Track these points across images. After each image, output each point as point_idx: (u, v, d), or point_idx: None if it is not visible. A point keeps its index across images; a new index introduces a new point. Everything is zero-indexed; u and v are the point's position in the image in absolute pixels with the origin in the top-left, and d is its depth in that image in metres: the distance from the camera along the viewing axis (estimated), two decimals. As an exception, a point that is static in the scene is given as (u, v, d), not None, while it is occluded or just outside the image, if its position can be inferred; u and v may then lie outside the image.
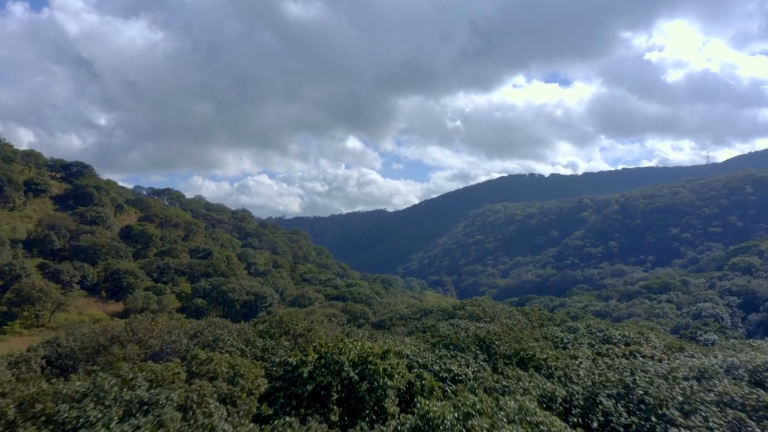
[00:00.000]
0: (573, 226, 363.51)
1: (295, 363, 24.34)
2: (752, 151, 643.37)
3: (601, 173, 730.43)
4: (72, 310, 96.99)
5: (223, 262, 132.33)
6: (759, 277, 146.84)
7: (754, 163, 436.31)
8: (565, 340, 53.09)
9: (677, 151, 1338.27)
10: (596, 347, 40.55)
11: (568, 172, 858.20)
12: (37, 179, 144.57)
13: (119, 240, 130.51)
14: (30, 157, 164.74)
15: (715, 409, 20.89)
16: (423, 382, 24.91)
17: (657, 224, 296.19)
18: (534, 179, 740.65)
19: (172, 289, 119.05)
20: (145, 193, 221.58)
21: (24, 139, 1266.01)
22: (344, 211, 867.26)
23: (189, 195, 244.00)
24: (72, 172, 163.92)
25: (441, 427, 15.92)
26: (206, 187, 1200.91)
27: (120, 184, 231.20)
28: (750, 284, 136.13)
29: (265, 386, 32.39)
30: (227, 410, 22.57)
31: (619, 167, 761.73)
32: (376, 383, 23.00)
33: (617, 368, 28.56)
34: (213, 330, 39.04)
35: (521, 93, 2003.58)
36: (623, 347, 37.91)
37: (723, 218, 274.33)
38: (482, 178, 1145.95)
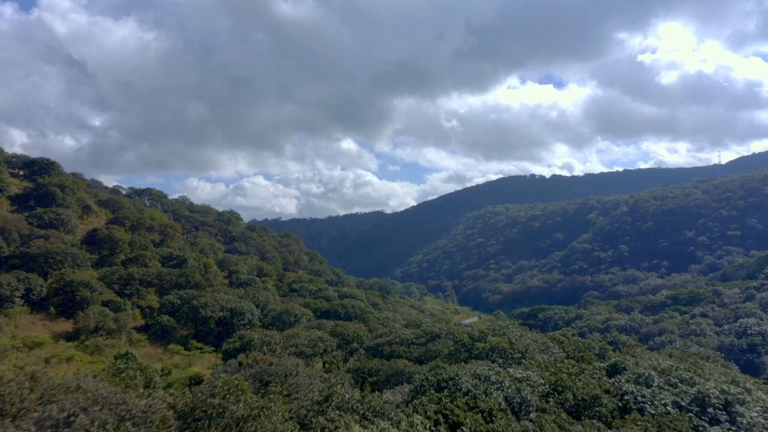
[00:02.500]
0: (579, 229, 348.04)
1: None
2: (752, 152, 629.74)
3: (603, 174, 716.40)
4: (8, 331, 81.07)
5: (199, 271, 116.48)
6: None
7: (761, 164, 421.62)
8: (639, 398, 37.48)
9: (672, 153, 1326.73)
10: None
11: (564, 173, 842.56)
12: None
13: (79, 246, 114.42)
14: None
15: None
16: None
17: (670, 227, 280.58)
18: (534, 180, 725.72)
19: (137, 303, 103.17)
20: (124, 193, 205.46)
21: (17, 140, 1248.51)
22: (341, 212, 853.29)
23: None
24: (36, 169, 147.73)
25: None
26: (202, 189, 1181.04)
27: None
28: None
29: None
30: None
31: (618, 169, 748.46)
32: None
33: None
34: (95, 413, 23.14)
35: (517, 94, 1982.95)
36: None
37: (741, 221, 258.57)
38: (479, 180, 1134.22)
